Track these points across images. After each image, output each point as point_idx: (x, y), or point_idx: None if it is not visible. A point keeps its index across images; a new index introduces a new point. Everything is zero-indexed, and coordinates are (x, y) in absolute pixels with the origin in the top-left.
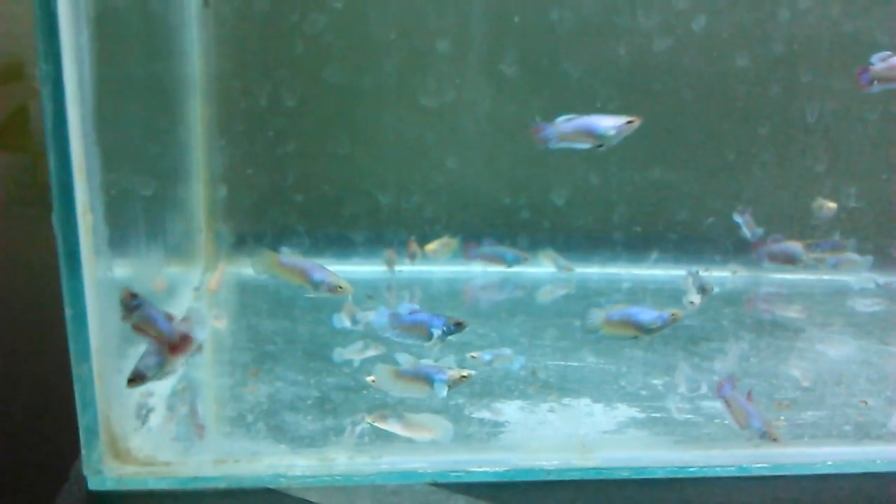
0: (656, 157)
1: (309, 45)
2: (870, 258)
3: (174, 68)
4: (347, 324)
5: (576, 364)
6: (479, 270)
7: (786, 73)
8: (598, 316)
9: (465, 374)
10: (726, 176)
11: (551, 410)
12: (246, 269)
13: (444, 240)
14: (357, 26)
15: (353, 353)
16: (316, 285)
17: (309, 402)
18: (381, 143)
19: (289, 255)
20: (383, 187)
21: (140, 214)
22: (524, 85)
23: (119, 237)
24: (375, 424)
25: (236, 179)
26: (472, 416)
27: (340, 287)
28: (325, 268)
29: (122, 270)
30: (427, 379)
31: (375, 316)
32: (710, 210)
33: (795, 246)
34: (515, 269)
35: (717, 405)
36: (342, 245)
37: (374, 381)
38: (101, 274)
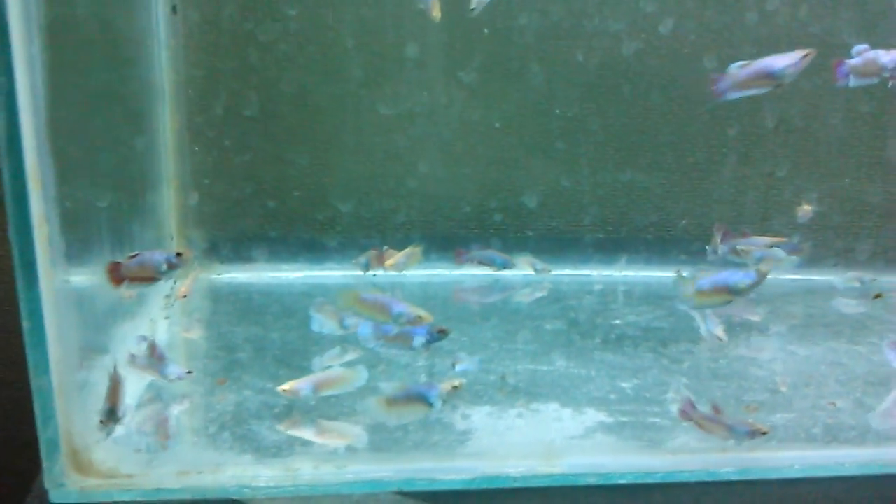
0: (627, 160)
1: (280, 51)
2: (795, 258)
3: (140, 75)
4: (332, 326)
5: (545, 368)
6: (451, 274)
7: None
8: (687, 288)
9: (455, 384)
10: (695, 177)
11: (519, 416)
12: (217, 275)
13: (409, 250)
14: (328, 31)
15: (332, 359)
16: (396, 318)
17: (276, 410)
18: (353, 148)
19: (370, 293)
20: (356, 192)
21: (103, 224)
22: (491, 89)
23: (80, 247)
24: (288, 433)
25: (207, 186)
26: (439, 422)
27: (420, 317)
28: (402, 301)
29: (86, 280)
30: (421, 398)
31: (360, 327)
32: (679, 211)
33: (759, 240)
34: (484, 272)
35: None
36: (315, 250)
37: (285, 390)
38: (59, 285)
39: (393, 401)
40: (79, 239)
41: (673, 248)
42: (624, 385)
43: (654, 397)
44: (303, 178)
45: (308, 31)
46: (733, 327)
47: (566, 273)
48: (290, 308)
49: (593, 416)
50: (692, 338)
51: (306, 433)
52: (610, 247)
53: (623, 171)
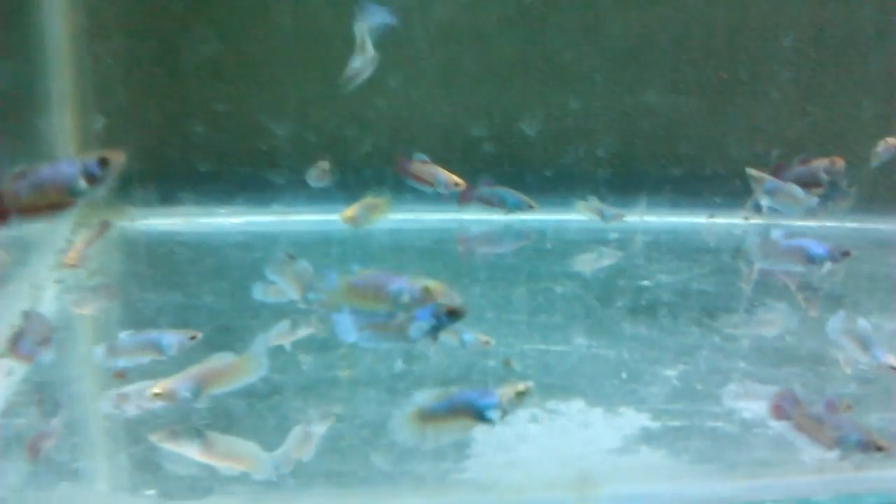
0: (650, 77)
1: None
2: (815, 199)
3: None
4: (285, 293)
5: (561, 348)
6: (428, 219)
7: None
8: None
9: (521, 388)
10: (736, 100)
11: (533, 420)
12: (131, 222)
13: (369, 200)
14: None
15: (282, 337)
16: (395, 299)
17: (200, 420)
18: (304, 59)
19: (359, 275)
20: (308, 115)
21: None
22: None
23: None
24: (162, 445)
25: (116, 106)
26: None
27: (428, 290)
28: (398, 274)
29: None
30: (472, 410)
31: (336, 319)
32: (715, 142)
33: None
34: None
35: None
36: (257, 189)
37: (158, 394)
38: None
39: (430, 415)
40: None
41: (704, 188)
42: (668, 372)
43: (709, 390)
44: (240, 96)
45: None
46: (792, 289)
47: (573, 218)
48: (225, 265)
49: (633, 419)
50: (745, 305)
51: (188, 450)
52: (627, 185)
53: (645, 90)
